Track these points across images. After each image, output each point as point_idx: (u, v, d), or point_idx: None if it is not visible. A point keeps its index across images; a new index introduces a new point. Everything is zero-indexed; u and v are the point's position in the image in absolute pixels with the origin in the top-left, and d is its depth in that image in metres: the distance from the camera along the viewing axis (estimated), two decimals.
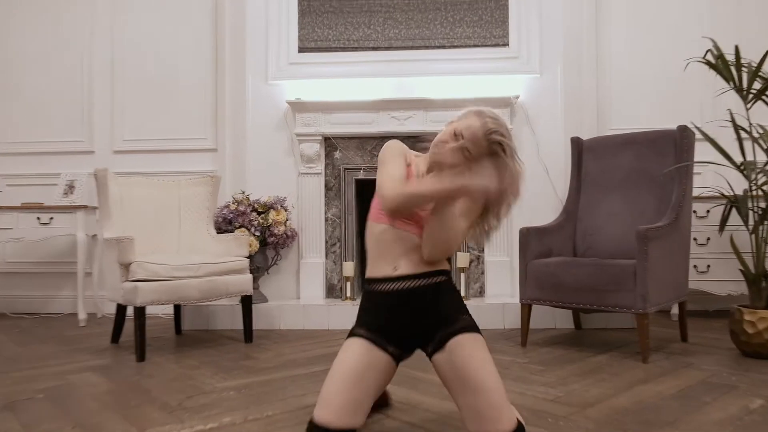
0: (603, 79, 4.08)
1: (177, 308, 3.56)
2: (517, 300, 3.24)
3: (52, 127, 4.48)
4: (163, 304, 2.97)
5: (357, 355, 1.60)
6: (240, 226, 3.63)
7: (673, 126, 3.13)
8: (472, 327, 1.64)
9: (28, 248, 4.42)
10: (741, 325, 2.70)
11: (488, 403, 1.47)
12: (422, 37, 3.95)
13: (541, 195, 3.80)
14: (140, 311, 2.85)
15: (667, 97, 3.95)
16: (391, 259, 1.67)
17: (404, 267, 1.66)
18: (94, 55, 4.45)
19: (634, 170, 3.27)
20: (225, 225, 3.67)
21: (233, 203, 3.72)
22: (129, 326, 3.19)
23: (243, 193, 3.79)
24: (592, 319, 3.50)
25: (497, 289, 3.81)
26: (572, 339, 3.24)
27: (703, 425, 1.80)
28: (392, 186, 1.61)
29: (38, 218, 3.91)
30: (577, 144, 3.53)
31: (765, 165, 2.71)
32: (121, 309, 3.26)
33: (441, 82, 3.88)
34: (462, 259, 3.72)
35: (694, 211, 3.59)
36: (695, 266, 3.69)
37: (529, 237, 3.14)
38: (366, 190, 3.89)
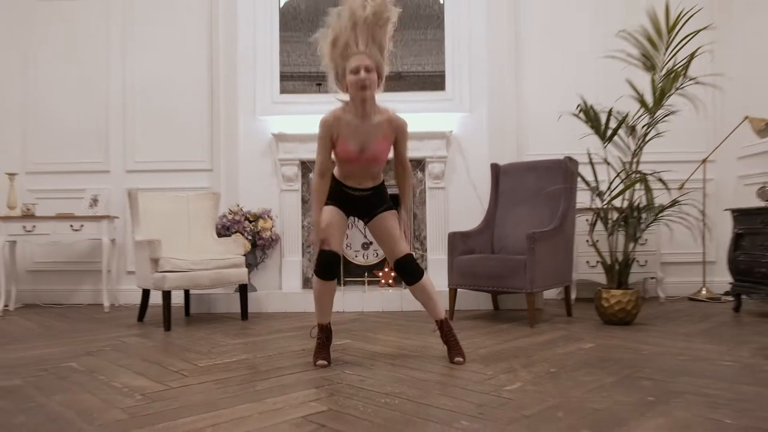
0: (520, 115, 5.21)
1: (186, 296, 4.56)
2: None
3: (74, 150, 5.43)
4: (182, 289, 4.00)
5: (330, 214, 2.78)
6: (236, 232, 4.65)
7: (571, 152, 4.25)
8: (390, 208, 2.86)
9: (53, 250, 5.35)
10: (600, 301, 3.83)
11: (395, 242, 2.80)
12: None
13: (470, 207, 4.90)
14: (167, 294, 3.87)
15: (566, 130, 5.06)
16: (358, 180, 2.82)
17: (364, 184, 2.83)
18: (110, 91, 5.42)
19: (535, 189, 4.39)
20: (224, 231, 4.68)
21: (230, 213, 4.74)
22: (150, 310, 4.19)
23: (238, 205, 4.81)
24: (507, 302, 4.60)
25: (437, 280, 4.86)
26: (489, 315, 4.34)
27: (550, 356, 2.90)
28: (315, 179, 2.79)
29: (71, 225, 4.86)
30: (495, 168, 4.64)
31: (611, 184, 3.84)
32: (145, 294, 4.25)
33: None
34: None
35: (586, 219, 4.70)
36: (587, 261, 4.84)
37: (455, 239, 4.25)
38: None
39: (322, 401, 2.16)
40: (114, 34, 5.42)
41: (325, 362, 2.76)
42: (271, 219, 4.80)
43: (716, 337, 3.29)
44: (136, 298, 5.14)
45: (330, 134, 2.74)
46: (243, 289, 4.29)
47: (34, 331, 3.90)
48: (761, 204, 4.16)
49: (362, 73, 2.61)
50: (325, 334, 2.86)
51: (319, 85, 5.17)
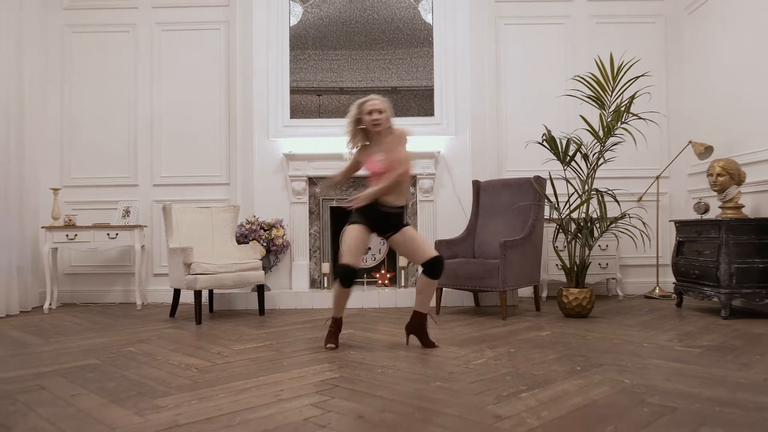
0: (500, 137, 5.97)
1: (210, 295, 5.29)
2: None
3: (106, 166, 6.14)
4: (210, 288, 4.74)
5: (356, 233, 3.44)
6: (253, 239, 5.39)
7: (544, 169, 4.97)
8: (408, 225, 3.56)
9: (88, 255, 6.07)
10: (561, 298, 4.58)
11: (423, 250, 3.43)
12: None
13: (456, 217, 5.63)
14: (198, 293, 4.61)
15: (539, 151, 5.78)
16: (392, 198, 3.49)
17: (395, 202, 3.49)
18: (138, 114, 6.14)
19: (509, 203, 5.14)
20: (242, 238, 5.42)
21: (247, 223, 5.47)
22: (179, 308, 4.93)
23: (254, 216, 5.55)
24: (486, 299, 5.35)
25: None
26: (470, 310, 5.09)
27: (512, 341, 3.64)
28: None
29: (108, 234, 5.59)
30: (476, 185, 5.40)
31: (569, 200, 4.59)
32: (176, 294, 4.99)
33: None
34: (402, 261, 5.55)
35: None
36: (557, 264, 5.58)
37: (441, 246, 5.00)
38: (338, 215, 5.72)
39: (335, 371, 2.91)
40: (142, 63, 6.14)
41: (333, 346, 3.49)
42: (283, 228, 5.53)
43: (649, 327, 4.05)
44: (163, 297, 5.91)
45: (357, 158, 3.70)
46: (260, 289, 5.03)
47: (83, 326, 4.62)
48: (696, 217, 4.92)
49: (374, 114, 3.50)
50: (336, 325, 3.57)
51: (319, 95, 5.90)
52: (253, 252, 5.13)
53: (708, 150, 5.17)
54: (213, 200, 5.99)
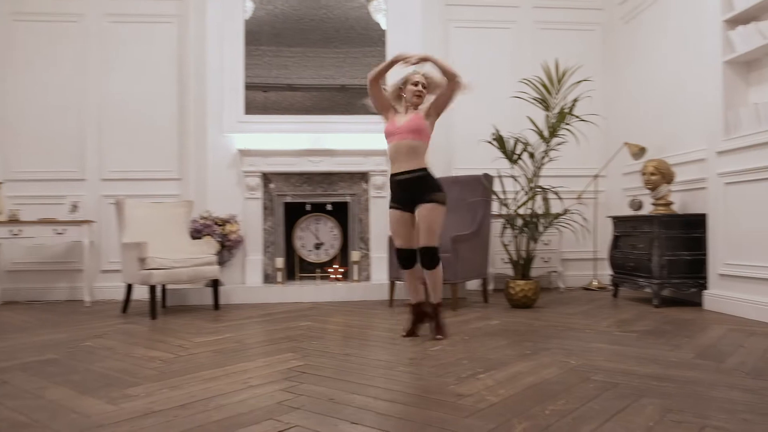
0: (451, 135, 6.18)
1: (163, 291, 5.28)
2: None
3: (52, 160, 6.00)
4: (165, 283, 4.75)
5: (391, 216, 3.59)
6: (207, 234, 5.40)
7: (493, 167, 5.19)
8: (436, 200, 3.47)
9: (30, 251, 5.92)
10: (508, 290, 4.83)
11: (420, 235, 3.48)
12: (330, 105, 5.90)
13: None
14: (152, 288, 4.61)
15: (489, 149, 6.04)
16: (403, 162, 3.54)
17: (401, 167, 3.54)
18: (86, 105, 6.01)
19: (459, 199, 5.35)
20: (196, 234, 5.42)
21: (201, 218, 5.48)
22: (132, 304, 4.92)
23: (208, 212, 5.56)
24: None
25: (380, 275, 5.78)
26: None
27: (465, 329, 3.84)
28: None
29: (54, 229, 5.48)
30: None
31: (516, 196, 4.85)
32: (129, 290, 4.96)
33: (343, 138, 5.82)
34: (355, 256, 5.69)
35: (502, 224, 5.70)
36: (502, 258, 5.85)
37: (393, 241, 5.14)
38: (292, 210, 5.82)
39: (300, 360, 3.02)
40: (91, 54, 6.02)
41: (409, 335, 3.60)
42: (237, 223, 5.57)
43: (589, 315, 4.34)
44: (112, 294, 5.84)
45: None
46: (215, 284, 5.07)
47: (32, 323, 4.53)
48: (631, 213, 5.28)
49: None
50: (413, 312, 3.67)
51: (265, 91, 5.96)
52: (208, 247, 5.15)
53: (642, 151, 5.54)
54: (164, 195, 5.95)
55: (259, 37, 5.87)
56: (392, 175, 3.59)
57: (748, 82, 4.38)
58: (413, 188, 3.51)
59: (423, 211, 3.47)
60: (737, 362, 2.79)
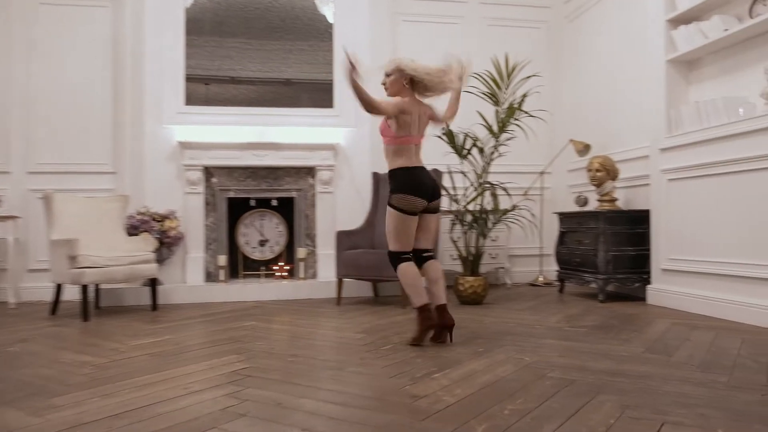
0: None
1: (97, 291, 4.98)
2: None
3: None
4: (99, 283, 4.47)
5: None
6: (144, 231, 5.13)
7: (444, 163, 5.12)
8: (388, 202, 3.28)
9: None
10: (457, 286, 4.79)
11: (429, 238, 3.33)
12: (276, 98, 5.72)
13: (355, 209, 5.68)
14: (84, 288, 4.33)
15: (440, 144, 6.00)
16: (418, 159, 3.32)
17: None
18: (12, 95, 5.61)
19: None
20: (132, 230, 5.14)
21: (138, 214, 5.21)
22: (62, 305, 4.62)
23: (145, 207, 5.28)
24: (385, 289, 5.47)
25: (327, 273, 5.64)
26: (370, 300, 5.18)
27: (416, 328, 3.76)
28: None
29: None
30: (375, 177, 5.49)
31: (465, 192, 4.81)
32: (58, 290, 4.65)
33: (288, 131, 5.64)
34: (301, 253, 5.53)
35: (450, 220, 5.66)
36: (451, 255, 5.81)
37: (342, 237, 5.04)
38: (235, 206, 5.62)
39: (245, 362, 2.86)
40: (17, 39, 5.62)
41: (438, 340, 3.23)
42: (177, 219, 5.32)
43: (538, 311, 4.35)
44: (41, 295, 5.48)
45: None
46: (153, 283, 4.81)
47: None
48: (576, 209, 5.34)
49: None
50: (424, 315, 3.18)
51: (207, 84, 5.73)
52: (145, 244, 4.89)
53: (586, 148, 5.62)
54: (98, 190, 5.62)
55: (202, 25, 5.62)
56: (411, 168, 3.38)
57: (689, 80, 4.48)
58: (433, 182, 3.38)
59: (433, 217, 3.44)
60: (686, 355, 2.81)
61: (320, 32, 5.79)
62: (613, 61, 5.47)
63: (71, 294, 5.10)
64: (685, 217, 4.26)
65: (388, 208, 3.30)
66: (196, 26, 5.60)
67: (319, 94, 5.80)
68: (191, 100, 5.58)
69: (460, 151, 4.82)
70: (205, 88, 5.68)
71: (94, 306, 4.99)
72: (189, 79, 5.57)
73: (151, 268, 4.77)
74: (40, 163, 5.67)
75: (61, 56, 5.70)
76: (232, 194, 5.60)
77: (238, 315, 4.42)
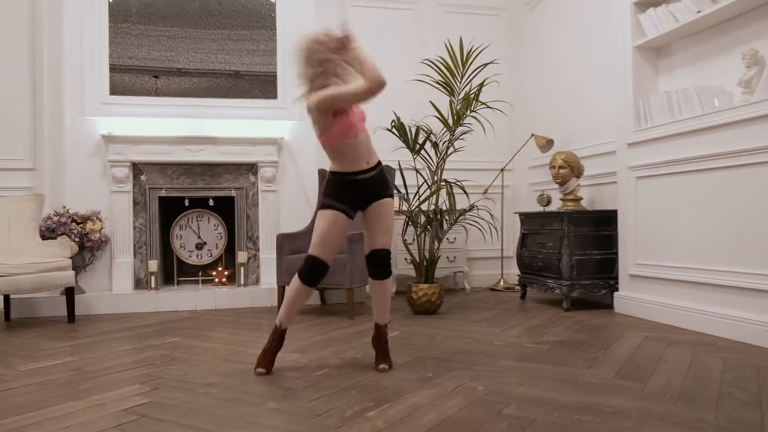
0: None
1: (6, 301, 4.41)
2: None
3: None
4: (2, 294, 3.90)
5: (331, 221, 2.69)
6: (62, 234, 4.58)
7: (394, 159, 4.68)
8: (391, 195, 2.80)
9: None
10: (410, 294, 4.37)
11: (373, 237, 2.76)
12: (213, 88, 5.21)
13: (301, 209, 5.21)
14: None
15: (391, 140, 5.55)
16: (365, 157, 2.71)
17: (371, 162, 2.73)
18: None
19: None
20: (49, 233, 4.58)
21: (55, 215, 4.64)
22: None
23: (64, 207, 4.72)
24: (332, 296, 5.01)
25: (269, 278, 5.16)
26: (316, 309, 4.73)
27: (358, 345, 3.32)
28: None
29: None
30: (322, 174, 5.02)
31: (418, 190, 4.40)
32: None
33: (227, 124, 5.14)
34: (242, 257, 5.04)
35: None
36: (406, 258, 5.39)
37: (284, 240, 4.57)
38: (167, 206, 5.10)
39: (145, 395, 2.38)
40: None
41: (263, 371, 2.69)
42: (100, 220, 4.78)
43: (497, 322, 3.96)
44: None
45: None
46: (70, 292, 4.27)
47: None
48: (539, 209, 4.98)
49: None
50: (278, 339, 2.78)
51: (156, 77, 5.22)
52: (61, 249, 4.34)
53: (549, 143, 5.26)
54: (15, 188, 4.99)
55: (128, 9, 5.06)
56: (346, 174, 2.76)
57: (657, 69, 4.14)
58: (377, 185, 2.79)
59: (378, 208, 2.78)
60: (662, 383, 2.43)
61: (262, 17, 5.30)
62: (576, 49, 5.12)
63: None
64: (654, 218, 3.92)
65: (393, 202, 2.85)
66: (122, 10, 5.05)
67: (261, 86, 5.32)
68: (117, 90, 5.03)
69: (413, 146, 4.40)
70: (153, 81, 5.15)
71: (3, 318, 4.43)
72: (115, 69, 5.02)
73: (67, 276, 4.23)
74: None
75: None
76: (163, 193, 5.06)
77: (165, 329, 3.92)
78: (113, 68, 5.03)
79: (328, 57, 2.67)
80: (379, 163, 2.84)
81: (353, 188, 2.74)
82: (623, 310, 4.18)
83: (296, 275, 2.78)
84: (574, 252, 4.35)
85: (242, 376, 2.66)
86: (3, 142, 5.09)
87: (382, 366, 2.74)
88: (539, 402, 2.19)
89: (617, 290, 4.29)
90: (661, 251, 3.85)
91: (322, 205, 2.81)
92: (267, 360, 2.74)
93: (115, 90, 5.02)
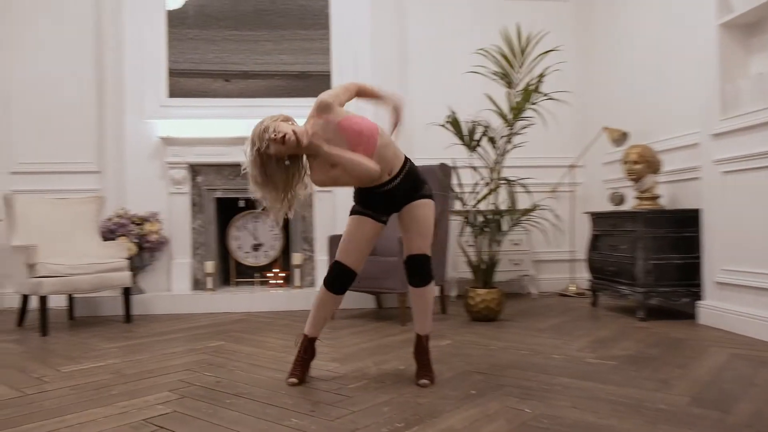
0: (408, 120, 5.43)
1: (70, 300, 4.51)
2: None
3: None
4: (62, 293, 3.99)
5: (355, 226, 2.57)
6: (121, 235, 4.63)
7: (448, 157, 4.45)
8: (427, 195, 2.61)
9: None
10: (468, 300, 4.11)
11: (410, 242, 2.60)
12: (269, 88, 5.15)
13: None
14: (43, 299, 3.84)
15: (450, 135, 5.32)
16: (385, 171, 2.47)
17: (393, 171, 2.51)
18: None
19: None
20: (109, 234, 4.65)
21: (115, 217, 4.71)
22: (31, 314, 4.16)
23: (123, 209, 4.78)
24: (388, 300, 4.79)
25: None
26: (370, 313, 4.55)
27: (404, 354, 3.10)
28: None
29: None
30: None
31: (474, 188, 4.12)
32: (24, 299, 4.18)
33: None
34: (297, 258, 4.94)
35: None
36: (465, 261, 5.12)
37: (334, 242, 4.40)
38: (224, 207, 5.10)
39: (170, 404, 2.28)
40: None
41: (296, 380, 2.55)
42: (159, 222, 4.80)
43: (562, 332, 3.62)
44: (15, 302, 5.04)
45: None
46: (126, 292, 4.31)
47: None
48: (611, 208, 4.57)
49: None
50: (308, 348, 2.65)
51: (227, 81, 5.22)
52: (119, 250, 4.39)
53: (623, 136, 4.83)
54: (82, 190, 5.11)
55: (185, 13, 5.09)
56: (368, 189, 2.58)
57: (748, 48, 3.66)
58: (406, 189, 2.59)
59: (413, 211, 2.60)
60: (749, 412, 2.06)
61: (315, 14, 5.19)
62: (654, 31, 4.64)
63: (55, 302, 4.63)
64: (745, 219, 3.46)
65: (431, 203, 2.65)
66: (180, 14, 5.08)
67: (316, 85, 5.20)
68: (175, 93, 5.06)
69: (469, 142, 4.13)
70: (199, 83, 5.18)
71: (68, 316, 4.52)
72: (173, 73, 5.06)
73: (123, 276, 4.26)
74: (21, 162, 5.23)
75: (41, 47, 5.23)
76: (219, 194, 5.05)
77: (215, 331, 3.86)
78: (172, 73, 5.06)
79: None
80: (404, 165, 2.58)
81: (380, 199, 2.57)
82: (708, 322, 3.74)
83: (322, 282, 2.60)
84: (650, 256, 3.94)
85: (273, 387, 2.51)
86: (71, 145, 5.24)
87: (422, 381, 2.51)
88: (592, 430, 1.89)
89: (701, 299, 3.85)
90: (753, 256, 3.39)
91: (350, 211, 2.65)
92: (298, 370, 2.59)
93: (173, 93, 5.05)
